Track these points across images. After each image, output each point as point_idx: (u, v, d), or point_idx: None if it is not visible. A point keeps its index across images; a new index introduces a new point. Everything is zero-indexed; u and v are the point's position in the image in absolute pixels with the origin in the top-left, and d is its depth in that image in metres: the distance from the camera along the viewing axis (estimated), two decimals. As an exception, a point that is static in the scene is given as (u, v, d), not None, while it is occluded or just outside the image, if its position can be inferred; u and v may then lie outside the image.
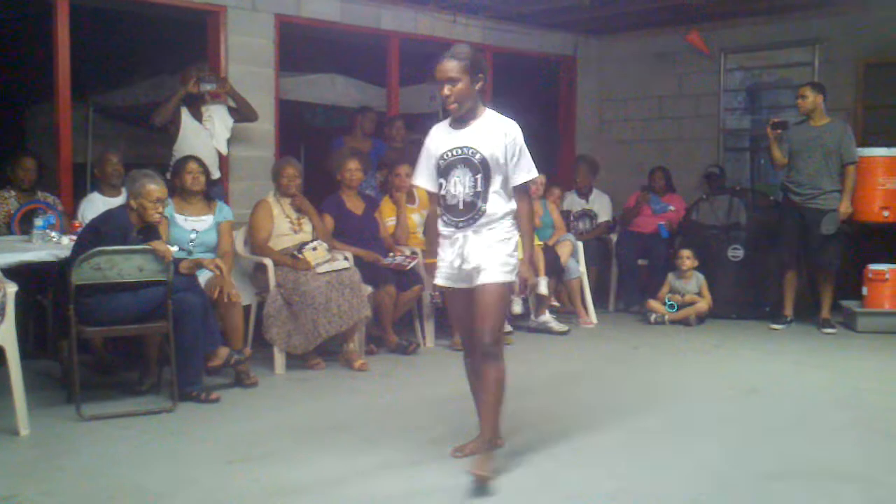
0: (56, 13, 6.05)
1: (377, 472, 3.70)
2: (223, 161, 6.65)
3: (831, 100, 7.16)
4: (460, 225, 3.65)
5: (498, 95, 8.95)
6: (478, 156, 3.60)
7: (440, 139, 3.72)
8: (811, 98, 6.89)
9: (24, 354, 4.36)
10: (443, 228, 3.73)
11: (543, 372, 5.78)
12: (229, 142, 6.60)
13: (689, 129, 9.21)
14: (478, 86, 3.63)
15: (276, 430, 4.36)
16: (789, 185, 7.02)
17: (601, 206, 8.40)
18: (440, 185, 3.70)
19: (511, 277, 3.66)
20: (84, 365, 5.00)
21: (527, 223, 3.77)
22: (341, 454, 3.84)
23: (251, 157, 6.98)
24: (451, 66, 3.58)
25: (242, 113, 6.59)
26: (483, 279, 3.60)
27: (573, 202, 8.39)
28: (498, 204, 3.64)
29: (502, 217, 3.66)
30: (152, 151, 7.16)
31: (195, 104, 6.34)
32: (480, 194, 3.62)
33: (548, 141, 9.89)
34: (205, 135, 6.36)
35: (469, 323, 3.72)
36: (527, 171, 3.68)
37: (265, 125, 7.02)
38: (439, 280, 3.78)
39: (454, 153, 3.64)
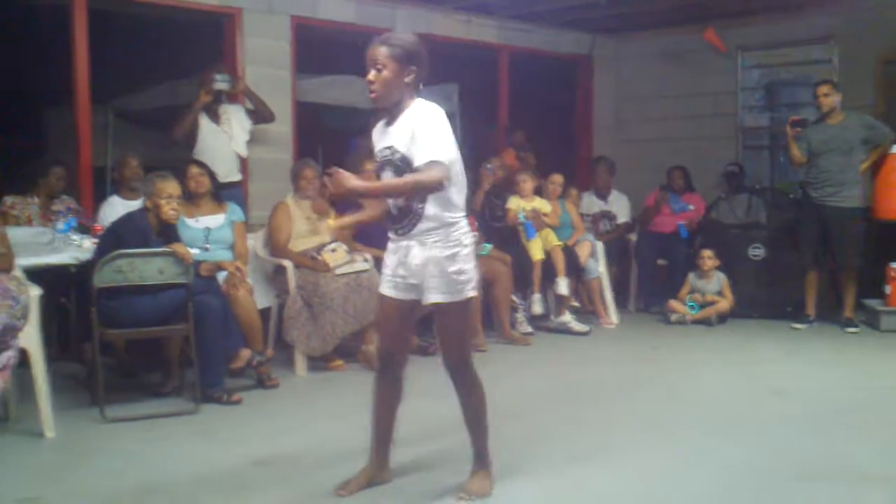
0: (74, 17, 6.08)
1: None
2: (242, 163, 6.67)
3: (850, 97, 7.11)
4: (399, 231, 3.32)
5: (514, 96, 8.99)
6: (398, 155, 3.24)
7: (376, 137, 3.39)
8: (833, 96, 6.85)
9: (48, 357, 4.39)
10: (390, 234, 3.41)
11: (564, 373, 5.77)
12: (248, 143, 6.62)
13: (707, 128, 9.14)
14: (408, 78, 3.24)
15: (298, 432, 4.36)
16: (810, 183, 6.98)
17: (620, 207, 8.35)
18: None
19: (464, 295, 3.28)
20: (107, 367, 5.02)
21: (408, 181, 3.17)
22: (363, 457, 3.82)
23: (269, 159, 7.00)
24: (379, 52, 3.22)
25: (259, 113, 6.60)
26: (435, 299, 3.27)
27: (591, 203, 8.34)
28: (437, 206, 3.23)
29: (447, 225, 3.25)
30: (171, 154, 7.16)
31: (212, 106, 6.37)
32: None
33: (564, 141, 9.88)
34: (223, 137, 6.38)
35: (394, 334, 3.47)
36: (427, 152, 3.13)
37: (282, 127, 7.04)
38: (383, 289, 3.42)
39: (383, 154, 3.32)
